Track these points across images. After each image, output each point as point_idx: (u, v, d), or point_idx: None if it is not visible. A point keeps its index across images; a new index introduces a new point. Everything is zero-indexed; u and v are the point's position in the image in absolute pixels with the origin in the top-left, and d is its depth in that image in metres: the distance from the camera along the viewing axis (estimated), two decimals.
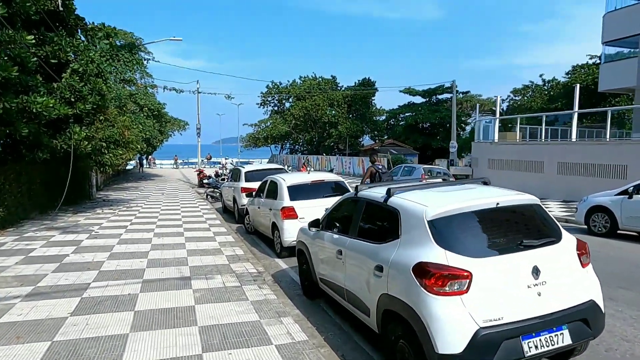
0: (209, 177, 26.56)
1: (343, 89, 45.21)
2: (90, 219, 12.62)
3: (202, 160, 45.36)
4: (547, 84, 52.89)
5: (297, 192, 8.46)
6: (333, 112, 41.08)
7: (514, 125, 28.09)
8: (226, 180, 15.19)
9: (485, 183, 4.66)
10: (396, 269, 3.60)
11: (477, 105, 26.96)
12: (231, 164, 31.64)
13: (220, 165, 31.19)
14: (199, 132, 26.67)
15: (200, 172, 26.29)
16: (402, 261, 3.55)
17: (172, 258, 7.95)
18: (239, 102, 59.86)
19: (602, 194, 10.73)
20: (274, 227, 8.67)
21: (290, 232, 8.14)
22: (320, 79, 44.72)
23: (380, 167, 10.70)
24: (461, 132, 51.94)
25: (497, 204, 3.65)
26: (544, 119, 19.05)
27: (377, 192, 4.43)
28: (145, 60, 21.63)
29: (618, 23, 27.39)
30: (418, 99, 49.33)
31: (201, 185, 25.90)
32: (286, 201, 8.31)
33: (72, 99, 11.26)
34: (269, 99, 49.90)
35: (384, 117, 51.02)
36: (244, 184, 12.64)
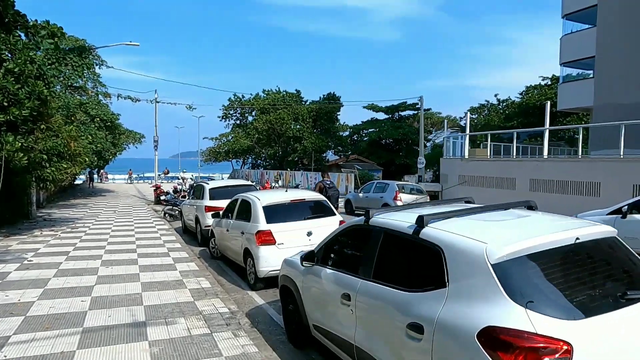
0: (167, 193, 24.74)
1: (308, 103, 44.47)
2: (25, 242, 10.82)
3: (159, 175, 43.01)
4: (501, 104, 54.98)
5: (274, 213, 7.30)
6: (298, 126, 40.10)
7: (481, 142, 28.26)
8: (187, 197, 13.74)
9: (530, 207, 3.71)
10: (448, 333, 2.55)
11: (446, 122, 26.90)
12: (191, 178, 29.81)
13: (179, 181, 29.38)
14: (156, 144, 24.85)
15: (157, 187, 24.43)
16: (457, 322, 2.51)
17: (123, 295, 6.54)
18: (200, 115, 57.92)
19: (591, 213, 10.25)
20: (247, 254, 7.44)
21: (268, 260, 6.95)
22: (284, 93, 43.78)
23: (328, 182, 10.81)
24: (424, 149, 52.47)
25: (577, 238, 2.71)
26: (515, 135, 18.95)
27: (400, 220, 3.40)
28: (97, 65, 19.77)
29: (574, 45, 28.36)
30: (381, 115, 49.56)
31: (158, 202, 24.03)
32: (262, 224, 7.12)
33: (5, 103, 9.61)
34: (231, 112, 48.32)
35: (347, 133, 50.72)
36: (208, 202, 11.30)
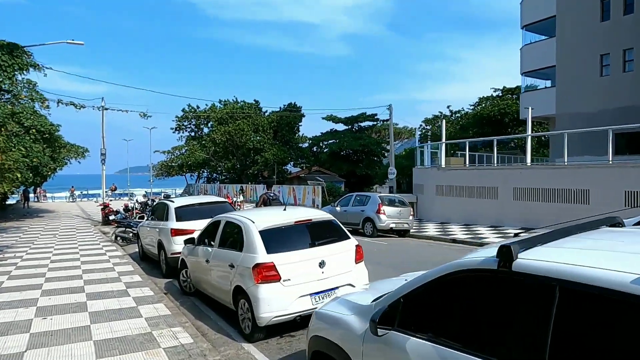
0: (117, 212, 22.08)
1: (268, 113, 42.71)
2: None
3: (106, 192, 39.34)
4: (454, 115, 56.51)
5: (276, 239, 5.62)
6: (258, 137, 38.19)
7: (453, 151, 27.78)
8: (146, 217, 11.65)
9: (618, 224, 2.77)
10: None
11: (417, 129, 26.11)
12: (144, 195, 27.07)
13: (131, 198, 26.63)
14: (103, 158, 22.15)
15: (105, 206, 21.71)
16: None
17: None
18: (152, 126, 54.49)
19: None
20: (239, 293, 5.68)
21: (271, 303, 5.25)
22: (242, 103, 41.78)
23: (272, 194, 11.80)
24: (383, 160, 52.38)
25: None
26: (495, 143, 18.29)
27: (598, 267, 1.92)
28: (32, 68, 17.02)
29: (534, 55, 28.80)
30: (340, 126, 48.84)
31: (107, 222, 21.33)
32: (261, 254, 5.41)
33: None
34: (185, 123, 45.56)
35: (306, 145, 49.45)
36: (174, 224, 9.36)
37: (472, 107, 53.10)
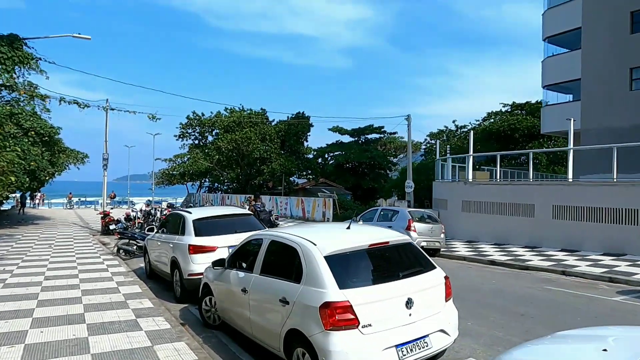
0: (118, 221, 20.61)
1: (275, 123, 41.41)
2: None
3: (106, 201, 37.76)
4: (459, 130, 55.72)
5: (347, 268, 4.22)
6: (265, 146, 36.81)
7: (476, 166, 26.42)
8: (155, 229, 10.20)
9: None
10: None
11: (438, 142, 24.80)
12: (147, 204, 25.58)
13: (133, 207, 25.15)
14: (105, 163, 20.73)
15: (105, 214, 20.23)
16: None
17: None
18: (156, 132, 53.27)
19: None
20: (296, 340, 4.25)
21: (347, 358, 3.82)
22: (249, 111, 40.52)
23: (259, 205, 11.78)
24: (390, 173, 51.23)
25: None
26: (530, 156, 16.97)
27: None
28: (33, 70, 15.63)
29: (557, 68, 27.73)
30: (346, 138, 47.71)
31: (107, 232, 19.86)
32: (331, 290, 3.99)
33: None
34: (189, 130, 44.20)
35: (311, 156, 48.26)
36: (193, 239, 7.93)
37: (478, 123, 52.22)
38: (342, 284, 4.03)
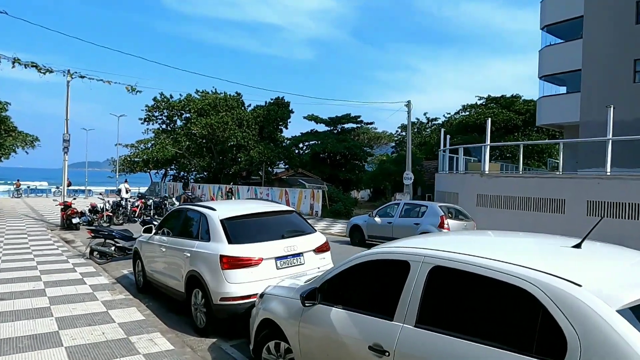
0: (82, 213, 17.54)
1: (251, 108, 38.48)
2: None
3: (58, 188, 33.72)
4: (430, 122, 55.38)
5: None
6: (243, 133, 33.94)
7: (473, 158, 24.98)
8: (154, 230, 7.59)
9: None
10: None
11: (442, 131, 23.10)
12: (126, 191, 22.30)
13: (120, 194, 21.75)
14: (66, 146, 17.51)
15: (67, 206, 17.05)
16: None
17: None
18: (121, 114, 48.95)
19: None
20: None
21: None
22: (224, 94, 37.33)
23: (190, 193, 11.19)
24: (365, 165, 49.72)
25: None
26: (561, 146, 15.52)
27: None
28: None
29: (555, 58, 26.80)
30: (321, 127, 45.68)
31: (69, 226, 16.78)
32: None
33: None
34: (156, 114, 40.39)
35: (285, 144, 45.84)
36: (226, 247, 5.47)
37: (450, 115, 51.91)
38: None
